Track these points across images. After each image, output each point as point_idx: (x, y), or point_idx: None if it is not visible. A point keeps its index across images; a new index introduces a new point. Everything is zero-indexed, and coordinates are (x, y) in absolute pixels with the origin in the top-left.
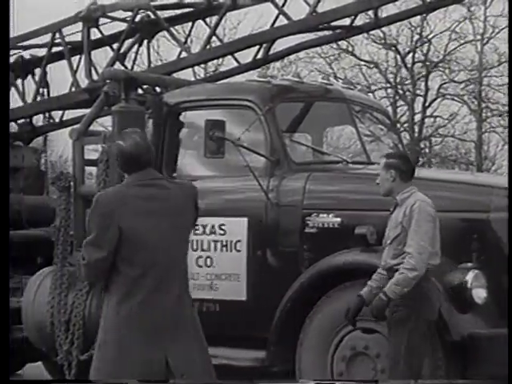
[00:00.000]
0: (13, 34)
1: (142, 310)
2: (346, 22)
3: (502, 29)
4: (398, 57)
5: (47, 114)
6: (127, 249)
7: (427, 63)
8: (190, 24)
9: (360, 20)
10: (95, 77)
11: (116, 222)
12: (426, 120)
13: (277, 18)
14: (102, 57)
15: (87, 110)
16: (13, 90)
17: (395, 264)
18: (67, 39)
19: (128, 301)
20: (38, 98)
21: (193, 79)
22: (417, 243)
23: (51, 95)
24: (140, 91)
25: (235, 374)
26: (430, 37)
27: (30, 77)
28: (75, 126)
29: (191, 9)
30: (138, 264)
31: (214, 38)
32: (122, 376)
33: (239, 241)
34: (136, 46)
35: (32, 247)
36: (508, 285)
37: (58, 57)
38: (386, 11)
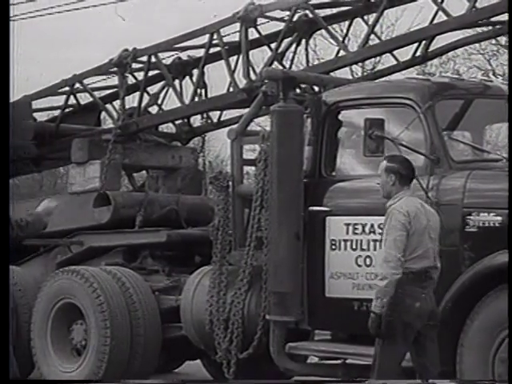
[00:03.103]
0: (169, 36)
1: None
2: (505, 17)
3: None
4: None
5: (205, 115)
6: None
7: None
8: (347, 22)
9: None
10: (253, 77)
11: None
12: None
13: (435, 14)
14: (259, 57)
15: (245, 110)
16: (170, 91)
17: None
18: (225, 40)
19: None
20: (196, 99)
21: (350, 78)
22: (384, 251)
23: (209, 96)
24: (298, 90)
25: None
26: None
27: (187, 78)
28: (233, 126)
29: (349, 7)
30: None
31: (371, 35)
32: None
33: None
34: (294, 46)
35: (190, 246)
36: (508, 285)
37: (216, 57)
38: None
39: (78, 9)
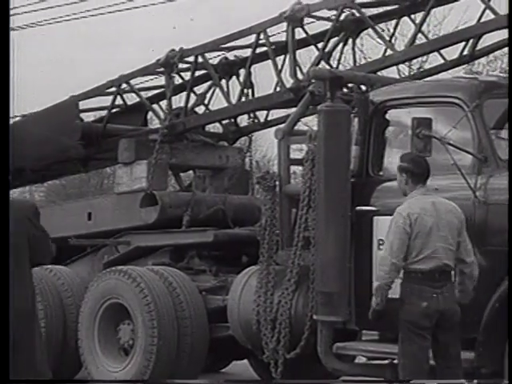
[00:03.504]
0: (215, 36)
1: None
2: None
3: None
4: None
5: (252, 114)
6: None
7: None
8: (394, 21)
9: None
10: (300, 76)
11: None
12: None
13: (483, 12)
14: (306, 56)
15: (292, 110)
16: (217, 91)
17: None
18: (271, 39)
19: None
20: (243, 99)
21: (397, 77)
22: (380, 255)
23: (256, 95)
24: (345, 90)
25: None
26: None
27: (234, 78)
28: (280, 126)
29: (396, 6)
30: None
31: (418, 34)
32: None
33: None
34: (341, 45)
35: (237, 246)
36: (508, 285)
37: (263, 57)
38: None
39: (129, 9)
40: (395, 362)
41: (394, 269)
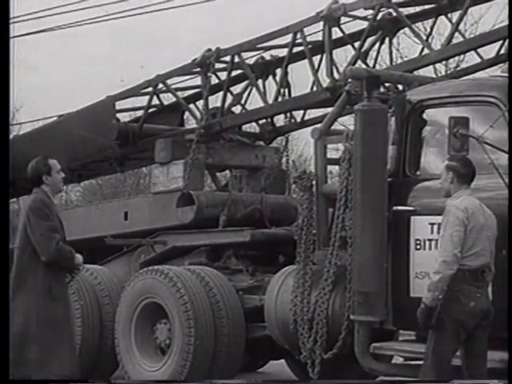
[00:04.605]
0: (252, 36)
1: None
2: None
3: None
4: None
5: (288, 114)
6: None
7: None
8: (431, 20)
9: None
10: (336, 76)
11: None
12: None
13: None
14: (343, 56)
15: (329, 109)
16: (254, 91)
17: None
18: (308, 39)
19: None
20: (279, 99)
21: (434, 76)
22: (440, 247)
23: (292, 95)
24: (382, 89)
25: None
26: None
27: (270, 77)
28: (317, 126)
29: (433, 5)
30: None
31: (455, 33)
32: None
33: None
34: (377, 44)
35: (274, 246)
36: (508, 284)
37: (299, 57)
38: None
39: (166, 9)
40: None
41: (455, 260)
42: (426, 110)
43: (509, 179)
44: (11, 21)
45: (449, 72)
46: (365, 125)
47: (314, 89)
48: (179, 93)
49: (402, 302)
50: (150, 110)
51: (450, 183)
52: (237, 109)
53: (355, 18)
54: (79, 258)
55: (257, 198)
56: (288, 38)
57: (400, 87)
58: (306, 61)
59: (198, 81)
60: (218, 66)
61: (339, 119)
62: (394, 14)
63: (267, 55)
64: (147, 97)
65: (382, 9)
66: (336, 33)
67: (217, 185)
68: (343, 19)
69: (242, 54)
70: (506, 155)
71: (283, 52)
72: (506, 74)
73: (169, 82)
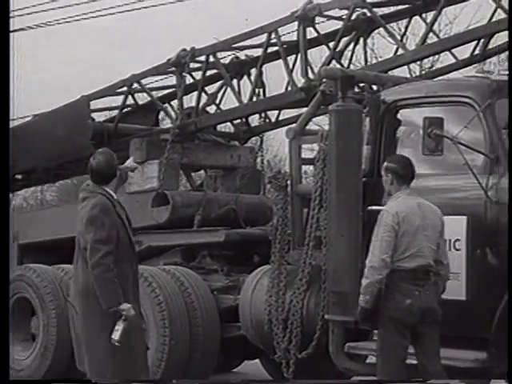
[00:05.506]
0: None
1: None
2: None
3: None
4: None
5: (263, 114)
6: None
7: None
8: (405, 20)
9: None
10: (311, 76)
11: None
12: None
13: (494, 12)
14: (317, 56)
15: (303, 109)
16: (229, 91)
17: None
18: (283, 39)
19: None
20: (254, 98)
21: (408, 76)
22: (370, 252)
23: (267, 95)
24: (357, 89)
25: (455, 374)
26: None
27: (245, 77)
28: (292, 126)
29: (407, 5)
30: None
31: (430, 34)
32: None
33: (458, 239)
34: (352, 44)
35: (249, 246)
36: (508, 282)
37: (274, 57)
38: None
39: (138, 9)
40: (407, 361)
41: (384, 265)
42: (401, 111)
43: (509, 179)
44: None
45: (423, 72)
46: (339, 125)
47: (289, 89)
48: (154, 92)
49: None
50: (125, 110)
51: (390, 184)
52: (211, 109)
53: (330, 18)
54: (127, 306)
55: (232, 197)
56: (263, 38)
57: (374, 87)
58: (280, 61)
59: (172, 80)
60: (192, 65)
61: (314, 119)
62: (369, 14)
63: (242, 55)
64: (122, 96)
65: (357, 9)
66: (311, 33)
67: (192, 185)
68: (318, 19)
69: (217, 53)
70: (481, 155)
71: (258, 52)
72: (481, 75)
73: (144, 81)
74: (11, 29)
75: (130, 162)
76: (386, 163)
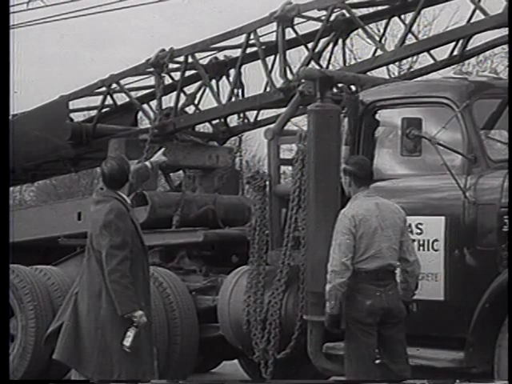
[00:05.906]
0: (206, 36)
1: None
2: None
3: None
4: None
5: (242, 114)
6: None
7: None
8: (384, 21)
9: None
10: (290, 76)
11: None
12: None
13: (473, 13)
14: (296, 56)
15: (282, 110)
16: (207, 91)
17: None
18: (262, 39)
19: None
20: (233, 99)
21: (387, 77)
22: (330, 256)
23: (246, 95)
24: (335, 90)
25: (433, 374)
26: None
27: (224, 78)
28: (270, 126)
29: (386, 6)
30: None
31: (409, 35)
32: None
33: (436, 240)
34: (331, 45)
35: (227, 246)
36: (508, 284)
37: (253, 57)
38: None
39: (118, 9)
40: (384, 361)
41: (345, 268)
42: (379, 111)
43: (509, 179)
44: None
45: (402, 73)
46: (318, 125)
47: (268, 89)
48: (133, 93)
49: None
50: (104, 110)
51: (348, 186)
52: (190, 109)
53: (309, 18)
54: (140, 313)
55: (210, 198)
56: (241, 39)
57: (353, 88)
58: (259, 61)
59: (151, 81)
60: (171, 66)
61: (292, 120)
62: (348, 15)
63: (221, 56)
64: (101, 97)
65: (336, 10)
66: (289, 33)
67: (170, 185)
68: (297, 20)
69: (196, 54)
70: (459, 156)
71: (237, 52)
72: (459, 76)
73: (122, 82)
74: None
75: (159, 156)
76: (343, 165)
